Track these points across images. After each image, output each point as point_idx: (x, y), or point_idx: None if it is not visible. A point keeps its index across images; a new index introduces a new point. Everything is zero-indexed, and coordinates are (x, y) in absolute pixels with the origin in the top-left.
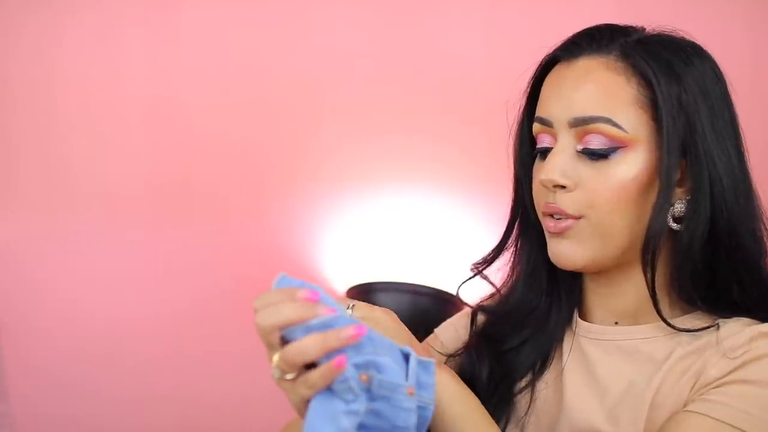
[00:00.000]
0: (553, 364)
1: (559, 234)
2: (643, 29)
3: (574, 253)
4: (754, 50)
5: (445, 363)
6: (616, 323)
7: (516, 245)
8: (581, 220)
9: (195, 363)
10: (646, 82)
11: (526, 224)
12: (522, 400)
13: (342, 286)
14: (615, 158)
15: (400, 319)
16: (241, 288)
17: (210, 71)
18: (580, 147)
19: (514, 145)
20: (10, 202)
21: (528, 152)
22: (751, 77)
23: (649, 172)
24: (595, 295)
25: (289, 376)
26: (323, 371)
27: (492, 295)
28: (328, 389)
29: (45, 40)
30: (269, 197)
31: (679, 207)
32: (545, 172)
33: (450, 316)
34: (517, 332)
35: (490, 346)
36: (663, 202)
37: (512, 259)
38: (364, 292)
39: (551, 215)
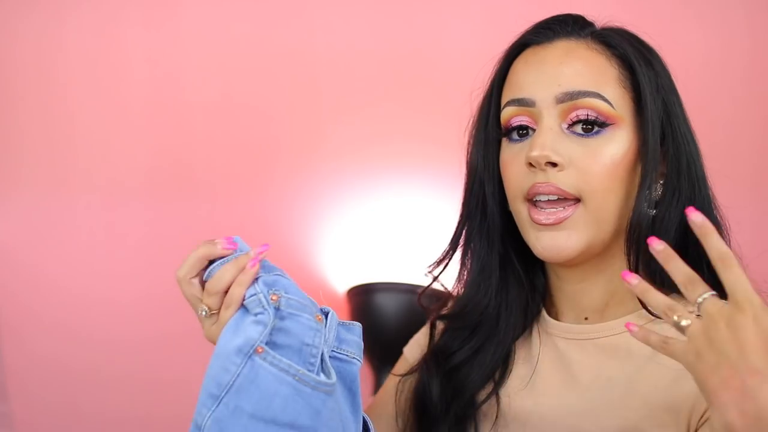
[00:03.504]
0: (515, 368)
1: (557, 224)
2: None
3: (570, 243)
4: (753, 48)
5: (398, 383)
6: (586, 319)
7: (466, 243)
8: (580, 206)
9: (199, 355)
10: (625, 63)
11: (479, 219)
12: (488, 412)
13: (342, 286)
14: (604, 135)
15: (400, 320)
16: None
17: (210, 69)
18: (566, 125)
19: (475, 133)
20: (9, 195)
21: (494, 139)
22: (750, 76)
23: (633, 152)
24: (564, 293)
25: (214, 311)
26: (239, 279)
27: (444, 302)
28: (242, 309)
29: (46, 31)
30: (269, 196)
31: (657, 191)
32: (537, 148)
33: None
34: (467, 342)
35: (440, 363)
36: (651, 182)
37: (461, 258)
38: (364, 293)
39: (536, 205)
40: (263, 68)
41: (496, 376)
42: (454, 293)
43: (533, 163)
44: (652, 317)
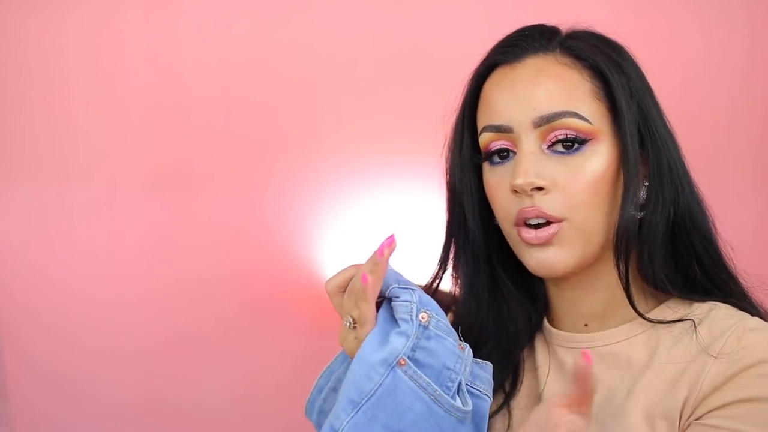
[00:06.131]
0: (526, 378)
1: (544, 243)
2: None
3: (560, 260)
4: (753, 48)
5: None
6: (586, 325)
7: (454, 263)
8: (564, 223)
9: (198, 354)
10: (597, 74)
11: (463, 240)
12: (497, 423)
13: None
14: (585, 152)
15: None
16: (241, 288)
17: (210, 68)
18: (545, 146)
19: (451, 155)
20: (9, 193)
21: (471, 161)
22: (750, 75)
23: (615, 163)
24: (562, 300)
25: (356, 324)
26: (372, 269)
27: (447, 308)
28: (388, 319)
29: (48, 24)
30: (269, 196)
31: (641, 195)
32: (521, 176)
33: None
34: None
35: None
36: (634, 189)
37: (452, 276)
38: None
39: (527, 224)
40: (263, 67)
41: (507, 386)
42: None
43: (518, 190)
44: (651, 324)
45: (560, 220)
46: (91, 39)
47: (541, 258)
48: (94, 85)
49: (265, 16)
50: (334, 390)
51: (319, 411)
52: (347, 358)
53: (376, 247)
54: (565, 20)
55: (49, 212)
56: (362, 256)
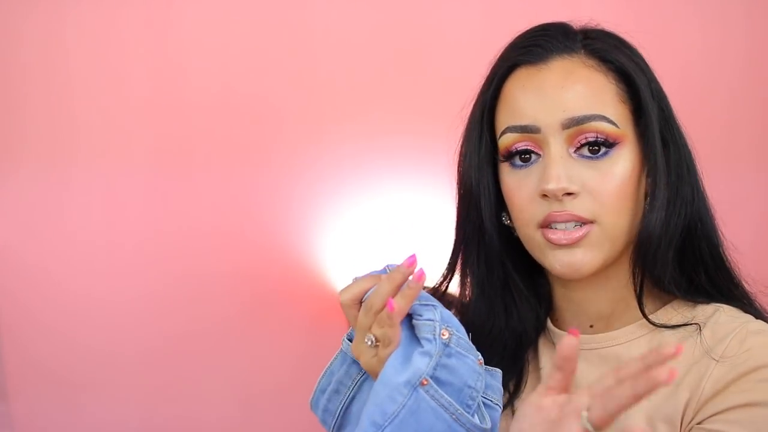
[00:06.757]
0: (529, 379)
1: (572, 244)
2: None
3: (587, 262)
4: (751, 46)
5: None
6: (591, 326)
7: (464, 266)
8: (594, 226)
9: (198, 354)
10: (621, 76)
11: (477, 243)
12: (501, 423)
13: (342, 286)
14: (612, 156)
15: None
16: (241, 286)
17: (210, 66)
18: (572, 149)
19: (467, 156)
20: (8, 195)
21: (489, 162)
22: (748, 73)
23: (639, 166)
24: (570, 302)
25: (378, 343)
26: (404, 292)
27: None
28: (409, 338)
29: (50, 18)
30: (270, 196)
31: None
32: (553, 181)
33: None
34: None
35: None
36: (662, 194)
37: (460, 279)
38: None
39: (549, 225)
40: (262, 64)
41: (511, 387)
42: (458, 296)
43: (549, 195)
44: (654, 327)
45: (591, 222)
46: (92, 33)
47: (567, 260)
48: (94, 82)
49: (266, 11)
50: (337, 392)
51: (323, 409)
52: (347, 358)
53: (399, 262)
54: (563, 19)
55: (49, 212)
56: (362, 255)
